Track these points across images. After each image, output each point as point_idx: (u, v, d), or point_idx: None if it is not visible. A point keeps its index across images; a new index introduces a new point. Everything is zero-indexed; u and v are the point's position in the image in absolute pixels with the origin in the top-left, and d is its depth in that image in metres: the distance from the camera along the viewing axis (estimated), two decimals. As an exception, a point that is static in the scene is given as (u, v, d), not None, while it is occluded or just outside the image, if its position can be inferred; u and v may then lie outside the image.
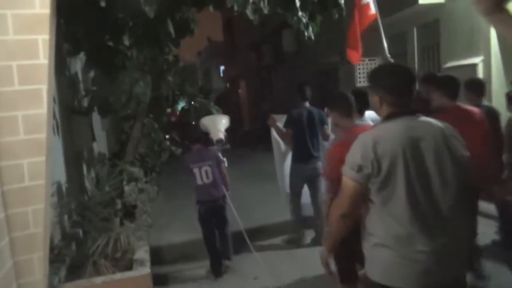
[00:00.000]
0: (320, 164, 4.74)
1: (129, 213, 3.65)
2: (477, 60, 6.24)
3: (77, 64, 4.72)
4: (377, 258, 1.88)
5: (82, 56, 4.48)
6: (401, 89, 1.92)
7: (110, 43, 3.88)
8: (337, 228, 1.98)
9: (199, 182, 4.09)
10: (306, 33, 4.10)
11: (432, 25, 7.53)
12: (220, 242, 4.27)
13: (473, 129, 2.96)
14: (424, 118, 1.92)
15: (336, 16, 4.34)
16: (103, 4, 3.03)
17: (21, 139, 2.31)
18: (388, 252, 1.83)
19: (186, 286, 3.99)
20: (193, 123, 4.81)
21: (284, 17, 4.00)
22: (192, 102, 6.08)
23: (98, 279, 2.85)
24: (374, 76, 2.05)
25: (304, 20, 4.00)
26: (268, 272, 3.93)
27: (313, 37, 4.18)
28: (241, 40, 22.58)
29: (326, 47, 10.94)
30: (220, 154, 4.20)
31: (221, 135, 4.16)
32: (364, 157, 1.81)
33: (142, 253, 3.23)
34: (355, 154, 1.86)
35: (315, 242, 4.61)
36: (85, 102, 4.64)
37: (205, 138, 4.26)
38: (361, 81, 8.55)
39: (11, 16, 2.23)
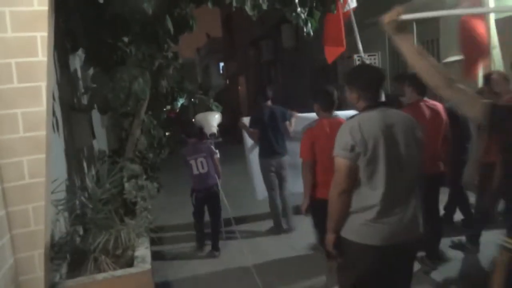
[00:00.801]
0: (285, 158, 5.16)
1: (129, 210, 3.66)
2: (477, 55, 6.22)
3: (76, 61, 4.71)
4: (353, 222, 2.29)
5: (81, 53, 4.48)
6: (374, 86, 2.33)
7: (109, 40, 3.87)
8: (337, 205, 2.29)
9: (195, 172, 4.63)
10: (305, 29, 4.10)
11: (431, 20, 7.51)
12: (211, 232, 4.74)
13: (437, 119, 3.68)
14: (394, 109, 2.35)
15: (335, 12, 4.33)
16: (101, 0, 3.02)
17: (20, 137, 2.31)
18: (362, 217, 2.25)
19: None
20: (193, 120, 5.20)
21: (283, 13, 3.99)
22: (192, 99, 6.10)
23: (99, 276, 2.85)
24: (351, 76, 2.43)
25: (303, 16, 4.00)
26: (250, 252, 4.49)
27: (312, 33, 4.18)
28: (240, 36, 22.54)
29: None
30: (213, 147, 4.72)
31: (214, 129, 4.75)
32: (354, 137, 2.19)
33: (143, 249, 3.24)
34: (345, 136, 2.22)
35: (288, 230, 5.17)
36: (85, 100, 4.64)
37: (200, 132, 4.75)
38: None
39: (9, 14, 2.22)
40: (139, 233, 3.35)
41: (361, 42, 5.87)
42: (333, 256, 2.45)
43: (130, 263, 3.07)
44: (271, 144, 5.09)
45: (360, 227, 2.27)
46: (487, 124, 1.86)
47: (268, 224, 5.34)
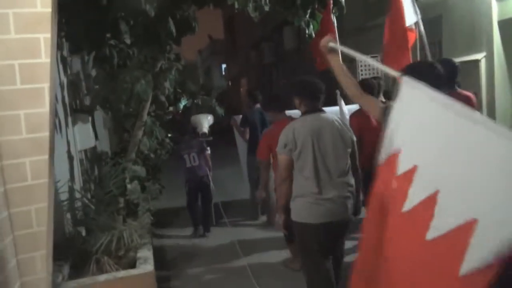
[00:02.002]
0: None
1: (132, 211, 3.66)
2: (480, 56, 6.22)
3: (79, 62, 4.72)
4: (296, 205, 2.91)
5: (83, 55, 4.49)
6: (313, 96, 2.97)
7: (111, 42, 3.88)
8: (281, 191, 2.99)
9: (188, 165, 5.39)
10: (307, 31, 4.10)
11: (434, 21, 7.51)
12: (203, 216, 5.46)
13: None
14: (324, 114, 2.98)
15: (337, 14, 4.33)
16: (104, 2, 3.03)
17: (23, 138, 2.32)
18: (302, 200, 2.87)
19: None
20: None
21: (284, 15, 4.00)
22: (195, 100, 6.13)
23: (102, 277, 2.86)
24: (295, 87, 3.11)
25: (305, 18, 4.00)
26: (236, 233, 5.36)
27: (314, 35, 4.18)
28: (242, 38, 22.56)
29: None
30: (204, 144, 5.49)
31: (205, 130, 5.47)
32: (287, 137, 2.88)
33: (146, 251, 3.24)
34: (282, 138, 2.93)
35: (267, 223, 5.62)
36: (87, 101, 4.65)
37: (193, 131, 5.51)
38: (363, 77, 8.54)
39: (13, 15, 2.23)
40: (141, 234, 3.35)
41: (363, 44, 5.87)
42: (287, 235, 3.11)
43: (132, 264, 3.07)
44: (258, 143, 5.29)
45: (300, 210, 2.90)
46: (382, 122, 2.15)
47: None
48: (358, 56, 2.14)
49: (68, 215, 3.34)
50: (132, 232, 3.22)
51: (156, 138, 4.86)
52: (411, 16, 5.01)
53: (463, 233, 1.17)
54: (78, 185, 3.95)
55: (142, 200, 3.57)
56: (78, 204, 3.50)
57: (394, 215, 1.49)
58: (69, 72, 4.11)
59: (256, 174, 5.33)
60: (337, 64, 2.32)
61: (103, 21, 3.49)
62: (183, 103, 6.20)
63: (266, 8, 3.60)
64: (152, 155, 5.14)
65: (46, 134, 2.36)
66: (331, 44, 2.28)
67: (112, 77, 3.86)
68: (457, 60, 6.66)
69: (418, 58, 5.10)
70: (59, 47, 3.63)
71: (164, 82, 4.37)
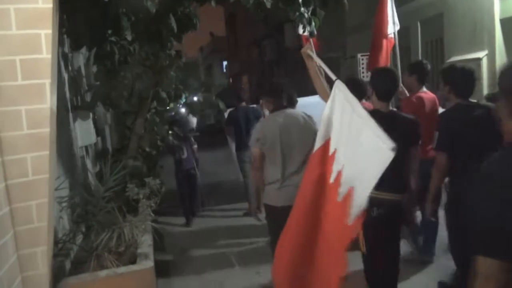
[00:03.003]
0: None
1: (132, 207, 3.66)
2: (481, 54, 6.21)
3: (80, 59, 4.72)
4: (267, 191, 3.36)
5: (84, 51, 4.49)
6: (277, 95, 3.42)
7: (112, 38, 3.88)
8: (256, 178, 3.49)
9: (177, 157, 5.91)
10: (308, 28, 4.09)
11: (435, 19, 7.49)
12: (191, 202, 6.09)
13: (434, 108, 3.88)
14: (291, 110, 3.45)
15: (339, 11, 4.32)
16: (105, -1, 3.03)
17: (24, 134, 2.32)
18: (271, 187, 3.31)
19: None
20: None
21: (286, 12, 3.99)
22: (195, 98, 6.14)
23: (102, 273, 2.86)
24: (264, 88, 3.65)
25: (306, 15, 3.99)
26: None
27: (315, 32, 4.17)
28: (244, 36, 22.53)
29: (328, 41, 10.91)
30: (192, 139, 6.14)
31: (193, 126, 6.33)
32: (258, 132, 3.31)
33: (146, 247, 3.24)
34: (254, 133, 3.37)
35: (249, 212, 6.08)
36: (88, 97, 4.65)
37: (182, 127, 6.07)
38: (364, 75, 8.52)
39: (14, 11, 2.23)
40: (142, 230, 3.36)
41: (364, 41, 5.91)
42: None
43: (133, 260, 3.08)
44: (244, 139, 5.66)
45: (271, 194, 3.34)
46: None
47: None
48: (323, 65, 2.63)
49: (69, 211, 3.34)
50: (132, 229, 3.22)
51: (157, 134, 4.86)
52: (391, 26, 5.87)
53: (349, 196, 1.79)
54: (78, 181, 3.96)
55: (142, 196, 3.57)
56: (79, 200, 3.51)
57: (325, 185, 2.08)
58: (70, 68, 4.11)
59: (246, 167, 5.86)
60: (312, 68, 2.73)
61: (104, 18, 3.49)
62: (184, 99, 6.25)
63: (268, 5, 3.60)
64: (153, 152, 5.16)
65: (47, 130, 2.37)
66: (309, 52, 2.71)
67: (113, 74, 3.86)
68: (459, 58, 6.64)
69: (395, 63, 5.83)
70: (60, 43, 3.63)
71: (165, 79, 4.37)
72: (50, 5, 2.29)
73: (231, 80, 28.86)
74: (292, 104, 4.31)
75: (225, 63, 31.47)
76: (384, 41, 5.87)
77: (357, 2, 6.81)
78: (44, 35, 2.29)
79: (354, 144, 1.85)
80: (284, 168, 3.24)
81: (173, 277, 4.22)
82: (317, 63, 2.67)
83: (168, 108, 5.94)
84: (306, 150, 3.16)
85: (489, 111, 2.78)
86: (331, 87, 2.56)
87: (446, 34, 7.20)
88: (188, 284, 4.08)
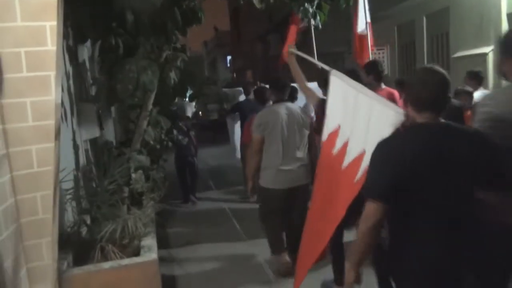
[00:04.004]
0: None
1: (136, 200, 3.68)
2: (487, 49, 6.16)
3: (85, 52, 4.72)
4: (265, 174, 3.77)
5: (89, 44, 4.49)
6: (280, 88, 3.86)
7: (117, 31, 3.87)
8: (253, 161, 3.86)
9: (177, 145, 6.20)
10: (313, 22, 4.08)
11: (441, 13, 7.43)
12: (190, 186, 6.65)
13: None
14: (290, 104, 3.89)
15: (344, 5, 4.29)
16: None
17: (29, 126, 2.33)
18: (270, 170, 3.72)
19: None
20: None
21: (291, 7, 3.97)
22: (201, 91, 6.14)
23: (106, 264, 2.88)
24: (270, 81, 4.17)
25: (311, 10, 3.97)
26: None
27: (320, 27, 4.16)
28: (248, 30, 22.46)
29: (332, 36, 10.87)
30: (190, 126, 6.70)
31: (189, 114, 7.15)
32: (261, 120, 3.75)
33: (150, 239, 3.26)
34: (257, 120, 3.80)
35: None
36: (93, 91, 4.65)
37: (180, 115, 6.60)
38: (369, 71, 8.49)
39: (19, 3, 2.23)
40: (145, 222, 3.37)
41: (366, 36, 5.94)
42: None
43: (136, 253, 3.10)
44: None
45: (268, 178, 3.73)
46: (319, 113, 3.20)
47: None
48: (308, 57, 3.19)
49: (73, 203, 3.36)
50: (136, 221, 3.24)
51: (161, 128, 4.87)
52: (362, 24, 6.28)
53: (358, 159, 2.18)
54: (83, 174, 3.98)
55: (146, 189, 3.59)
56: (83, 192, 3.53)
57: (330, 159, 2.49)
58: (74, 61, 4.11)
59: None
60: (294, 65, 3.25)
61: (109, 10, 3.48)
62: (189, 93, 6.28)
63: (272, 0, 3.58)
64: (157, 146, 5.16)
65: (52, 122, 2.37)
66: (291, 49, 3.23)
67: (118, 67, 3.85)
68: (464, 53, 6.58)
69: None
70: (65, 36, 3.63)
71: (170, 73, 4.36)
72: (55, -3, 2.29)
73: (234, 75, 28.81)
74: (293, 98, 4.59)
75: (229, 57, 31.39)
76: (358, 39, 6.41)
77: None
78: (49, 27, 2.30)
79: (364, 118, 2.19)
80: (282, 153, 3.65)
81: (176, 267, 4.25)
82: (309, 59, 3.20)
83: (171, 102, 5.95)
84: (302, 139, 3.73)
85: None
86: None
87: (452, 28, 7.15)
88: (191, 274, 4.11)
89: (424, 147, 1.74)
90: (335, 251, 3.22)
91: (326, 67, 2.66)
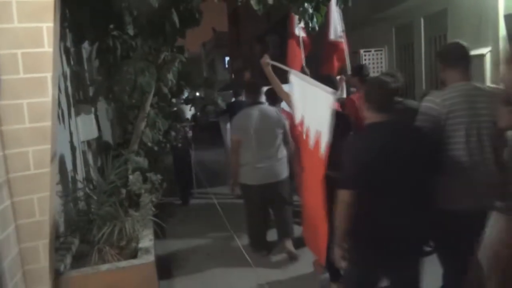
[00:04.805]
0: None
1: (134, 202, 3.67)
2: (485, 50, 6.16)
3: (82, 53, 4.71)
4: (243, 172, 4.07)
5: (87, 45, 4.48)
6: (254, 91, 4.20)
7: (115, 33, 3.87)
8: (233, 160, 4.15)
9: (173, 144, 6.36)
10: (310, 24, 4.07)
11: (439, 15, 7.43)
12: (187, 185, 6.90)
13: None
14: (264, 105, 4.18)
15: (342, 6, 4.29)
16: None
17: (26, 127, 2.32)
18: (246, 167, 4.03)
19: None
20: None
21: (289, 8, 3.96)
22: (197, 93, 6.13)
23: (103, 267, 2.87)
24: (245, 85, 4.70)
25: (309, 11, 3.97)
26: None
27: (317, 28, 4.15)
28: (246, 31, 22.46)
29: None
30: (187, 128, 7.00)
31: (188, 116, 7.47)
32: (238, 122, 4.10)
33: (147, 241, 3.25)
34: (234, 122, 4.16)
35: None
36: (90, 92, 4.64)
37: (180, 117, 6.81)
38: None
39: (16, 4, 2.23)
40: (143, 225, 3.36)
41: (368, 37, 5.94)
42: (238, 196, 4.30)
43: (134, 255, 3.08)
44: None
45: (245, 174, 4.05)
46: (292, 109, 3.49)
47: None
48: (279, 65, 3.62)
49: (71, 205, 3.35)
50: (134, 223, 3.23)
51: (159, 129, 4.86)
52: (336, 31, 6.50)
53: (318, 139, 2.58)
54: (80, 175, 3.97)
55: (144, 191, 3.58)
56: (81, 194, 3.51)
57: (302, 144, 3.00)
58: (72, 63, 4.11)
59: None
60: (270, 73, 3.59)
61: (107, 11, 3.47)
62: (186, 95, 6.30)
63: (270, 1, 3.57)
64: (155, 148, 5.15)
65: (48, 123, 2.37)
66: (267, 61, 3.58)
67: (116, 68, 3.85)
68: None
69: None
70: (63, 37, 3.62)
71: (167, 74, 4.35)
72: (52, -2, 2.28)
73: (233, 76, 28.78)
74: (276, 101, 4.66)
75: (227, 58, 31.39)
76: (328, 46, 6.59)
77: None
78: (46, 28, 2.29)
79: (312, 105, 2.68)
80: (256, 152, 3.95)
81: (174, 270, 4.24)
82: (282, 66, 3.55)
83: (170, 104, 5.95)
84: (276, 139, 4.00)
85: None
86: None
87: (450, 30, 7.15)
88: (189, 278, 4.10)
89: (380, 143, 2.18)
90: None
91: (287, 69, 3.39)
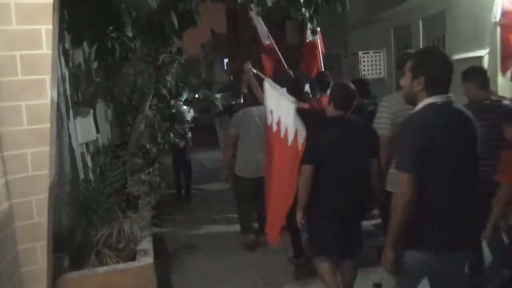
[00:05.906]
0: None
1: (132, 204, 3.67)
2: (483, 52, 6.18)
3: (81, 55, 4.71)
4: (238, 164, 4.47)
5: (85, 47, 4.47)
6: (251, 94, 4.40)
7: (114, 34, 3.87)
8: (225, 154, 4.72)
9: (174, 145, 6.51)
10: (310, 26, 4.08)
11: (437, 17, 7.45)
12: (186, 186, 7.09)
13: None
14: (257, 107, 4.31)
15: (340, 9, 4.30)
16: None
17: (24, 129, 2.32)
18: (240, 160, 4.45)
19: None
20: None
21: (288, 10, 3.97)
22: (196, 95, 6.13)
23: (101, 269, 2.87)
24: (248, 88, 4.68)
25: (308, 14, 3.98)
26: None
27: (317, 30, 4.16)
28: (245, 33, 22.47)
29: (328, 39, 10.88)
30: (186, 129, 7.13)
31: (188, 117, 7.86)
32: (236, 119, 4.47)
33: (146, 243, 3.25)
34: (232, 120, 4.55)
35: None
36: (89, 94, 4.63)
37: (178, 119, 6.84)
38: (365, 73, 8.51)
39: (14, 6, 2.23)
40: (141, 226, 3.36)
41: (367, 38, 5.92)
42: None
43: (132, 257, 3.08)
44: None
45: (239, 167, 4.45)
46: None
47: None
48: (258, 73, 3.96)
49: (69, 207, 3.34)
50: (132, 225, 3.23)
51: (158, 131, 4.85)
52: (264, 37, 7.43)
53: (296, 136, 2.94)
54: (79, 177, 3.96)
55: (142, 192, 3.57)
56: (79, 196, 3.51)
57: (280, 141, 3.26)
58: (71, 64, 4.10)
59: None
60: (251, 79, 4.02)
61: (105, 13, 3.47)
62: (184, 96, 6.27)
63: (269, 3, 3.58)
64: (153, 149, 5.14)
65: (47, 125, 2.36)
66: (249, 67, 3.96)
67: (115, 70, 3.85)
68: (460, 56, 6.60)
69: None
70: (61, 39, 3.62)
71: (166, 76, 4.36)
72: (51, 0, 2.29)
73: (231, 78, 28.79)
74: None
75: (226, 60, 31.40)
76: (305, 47, 7.08)
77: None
78: (45, 30, 2.29)
79: (285, 110, 3.10)
80: (251, 148, 4.27)
81: (172, 269, 4.24)
82: (259, 75, 3.87)
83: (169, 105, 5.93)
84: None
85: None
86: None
87: (447, 32, 7.17)
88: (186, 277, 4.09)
89: (334, 131, 2.84)
90: (292, 230, 3.76)
91: (262, 76, 3.81)
